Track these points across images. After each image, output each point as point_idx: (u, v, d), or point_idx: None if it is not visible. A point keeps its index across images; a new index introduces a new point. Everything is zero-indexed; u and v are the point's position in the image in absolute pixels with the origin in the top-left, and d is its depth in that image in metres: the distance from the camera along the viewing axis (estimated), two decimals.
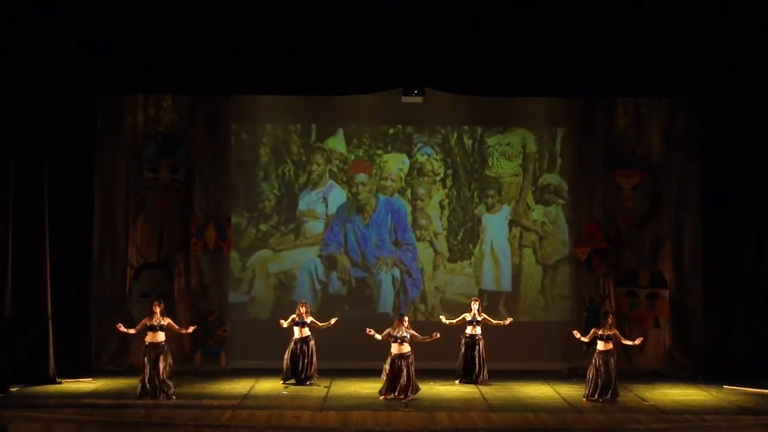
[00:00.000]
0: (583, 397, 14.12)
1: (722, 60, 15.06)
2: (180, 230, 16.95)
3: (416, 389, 13.93)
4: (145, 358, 13.80)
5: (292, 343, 14.92)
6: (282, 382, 14.96)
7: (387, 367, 13.86)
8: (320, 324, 14.92)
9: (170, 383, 13.92)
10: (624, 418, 13.00)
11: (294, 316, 14.89)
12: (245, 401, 13.95)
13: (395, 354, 13.80)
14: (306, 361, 14.86)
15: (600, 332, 14.04)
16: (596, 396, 13.96)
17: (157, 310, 13.95)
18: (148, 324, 13.86)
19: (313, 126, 16.95)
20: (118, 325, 14.18)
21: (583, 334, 17.02)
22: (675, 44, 14.99)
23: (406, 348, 13.77)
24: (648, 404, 13.98)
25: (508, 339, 16.81)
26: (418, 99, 16.08)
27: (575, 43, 14.89)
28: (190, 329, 14.36)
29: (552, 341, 16.86)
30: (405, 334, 13.75)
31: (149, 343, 13.84)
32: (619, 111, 17.10)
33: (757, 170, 15.69)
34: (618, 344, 14.23)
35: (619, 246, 17.03)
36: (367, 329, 13.95)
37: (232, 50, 14.85)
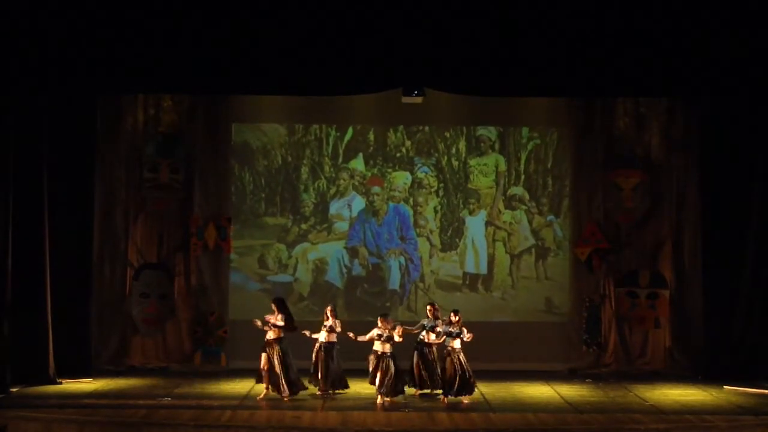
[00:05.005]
0: (439, 395, 14.14)
1: (722, 60, 15.03)
2: (180, 230, 16.95)
3: (399, 390, 14.02)
4: (266, 356, 13.97)
5: (316, 348, 14.40)
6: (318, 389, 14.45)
7: (371, 364, 13.98)
8: (351, 335, 14.20)
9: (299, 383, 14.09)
10: (624, 418, 12.98)
11: (323, 324, 14.49)
12: (245, 401, 13.95)
13: (380, 352, 13.95)
14: (332, 366, 14.37)
15: (450, 329, 14.08)
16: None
17: (275, 308, 14.09)
18: (271, 321, 14.03)
19: (315, 126, 17.41)
20: (254, 321, 14.13)
21: (583, 334, 17.06)
22: (675, 44, 14.97)
23: (388, 347, 13.93)
24: (648, 404, 13.97)
25: (508, 339, 16.86)
26: (418, 99, 16.11)
27: (575, 43, 14.87)
28: (307, 333, 14.21)
29: (552, 342, 16.90)
30: (389, 334, 13.95)
31: (272, 339, 14.02)
32: (619, 111, 17.10)
33: (758, 170, 15.68)
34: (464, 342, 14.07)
35: (619, 246, 17.04)
36: (349, 334, 14.09)
37: (231, 50, 14.83)
